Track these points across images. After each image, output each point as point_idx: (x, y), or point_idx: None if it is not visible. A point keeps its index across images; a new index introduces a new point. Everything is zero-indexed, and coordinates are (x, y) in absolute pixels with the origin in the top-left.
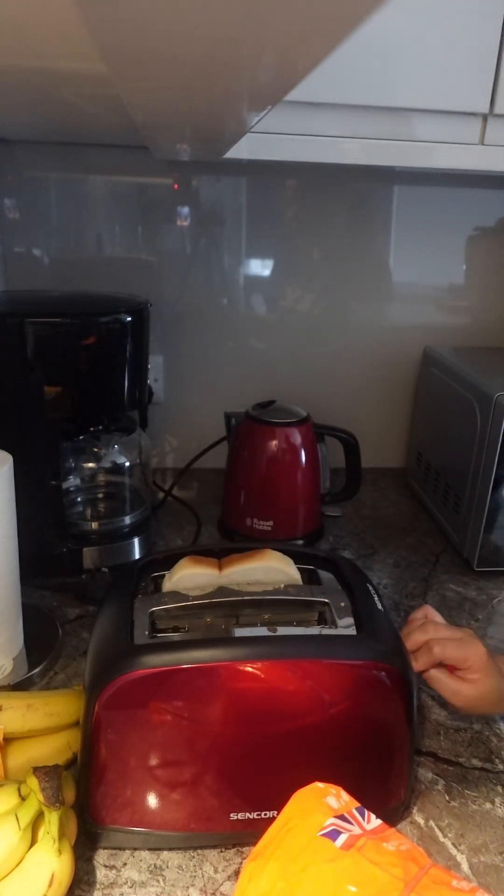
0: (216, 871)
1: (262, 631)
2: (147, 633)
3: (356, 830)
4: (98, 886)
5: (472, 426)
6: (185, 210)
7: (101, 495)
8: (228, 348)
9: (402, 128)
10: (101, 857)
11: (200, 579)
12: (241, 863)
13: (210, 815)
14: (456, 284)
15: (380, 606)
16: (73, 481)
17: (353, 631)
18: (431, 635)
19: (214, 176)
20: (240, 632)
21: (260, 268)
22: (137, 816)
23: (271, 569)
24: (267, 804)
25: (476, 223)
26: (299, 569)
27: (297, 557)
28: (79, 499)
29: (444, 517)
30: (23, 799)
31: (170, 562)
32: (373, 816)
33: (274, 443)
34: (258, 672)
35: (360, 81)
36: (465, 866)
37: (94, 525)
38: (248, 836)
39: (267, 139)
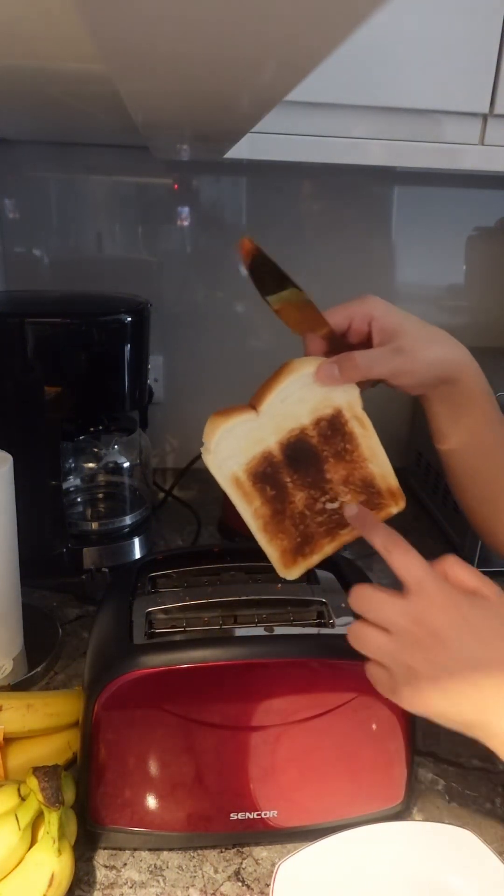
0: (216, 871)
1: (260, 630)
2: (146, 633)
3: None
4: (98, 887)
5: None
6: (185, 210)
7: (101, 495)
8: (228, 348)
9: (402, 128)
10: (101, 857)
11: (243, 429)
12: (241, 863)
13: (210, 815)
14: (456, 284)
15: None
16: (73, 481)
17: None
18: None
19: (214, 176)
20: (239, 631)
21: None
22: (137, 816)
23: (304, 378)
24: (267, 804)
25: (476, 223)
26: None
27: None
28: (79, 499)
29: (443, 517)
30: (22, 799)
31: (169, 562)
32: None
33: None
34: (257, 672)
35: (360, 81)
36: None
37: (94, 525)
38: (248, 836)
39: (267, 139)
